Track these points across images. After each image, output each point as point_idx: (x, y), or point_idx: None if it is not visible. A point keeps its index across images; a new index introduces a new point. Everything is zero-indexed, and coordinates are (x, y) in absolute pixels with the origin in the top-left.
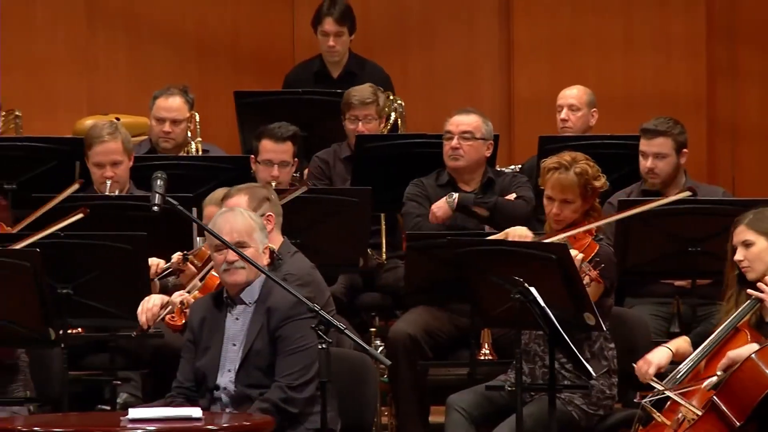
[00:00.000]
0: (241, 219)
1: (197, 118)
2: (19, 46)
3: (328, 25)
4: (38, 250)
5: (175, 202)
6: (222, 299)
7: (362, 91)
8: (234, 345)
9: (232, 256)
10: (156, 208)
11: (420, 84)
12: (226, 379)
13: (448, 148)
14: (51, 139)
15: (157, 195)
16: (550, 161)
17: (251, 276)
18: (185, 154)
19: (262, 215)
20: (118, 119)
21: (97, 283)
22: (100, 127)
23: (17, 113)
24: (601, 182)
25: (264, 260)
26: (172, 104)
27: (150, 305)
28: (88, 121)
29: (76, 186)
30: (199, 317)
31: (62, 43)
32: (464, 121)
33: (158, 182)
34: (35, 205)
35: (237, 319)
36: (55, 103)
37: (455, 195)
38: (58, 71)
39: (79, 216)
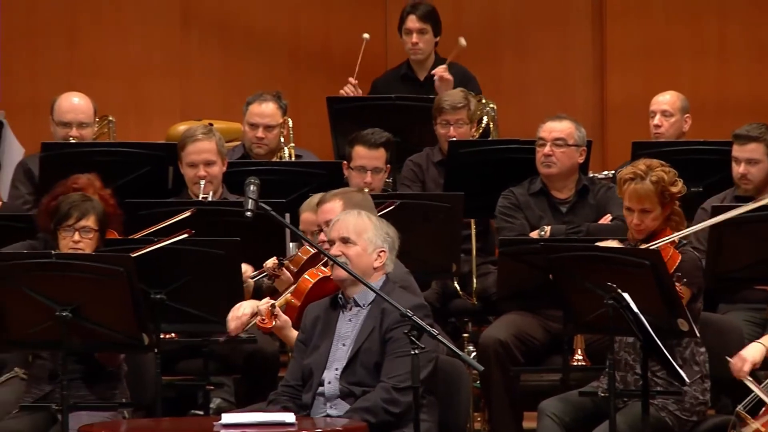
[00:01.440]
0: (354, 217)
1: (290, 123)
2: (115, 53)
3: (411, 22)
4: (131, 255)
5: (268, 208)
6: (338, 301)
7: (454, 95)
8: (343, 345)
9: (334, 251)
10: (249, 213)
11: (512, 89)
12: (331, 375)
13: (541, 155)
14: (144, 145)
15: (250, 200)
16: (625, 172)
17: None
18: (278, 160)
19: None
20: (211, 125)
21: (190, 289)
22: (195, 128)
23: (111, 119)
24: (679, 187)
25: (372, 262)
26: (266, 110)
27: (239, 314)
28: (182, 127)
29: (187, 213)
30: (312, 317)
31: (156, 49)
32: (557, 128)
33: (251, 188)
34: (129, 210)
35: (350, 320)
36: (149, 108)
37: (547, 228)
38: (152, 77)
39: (184, 236)
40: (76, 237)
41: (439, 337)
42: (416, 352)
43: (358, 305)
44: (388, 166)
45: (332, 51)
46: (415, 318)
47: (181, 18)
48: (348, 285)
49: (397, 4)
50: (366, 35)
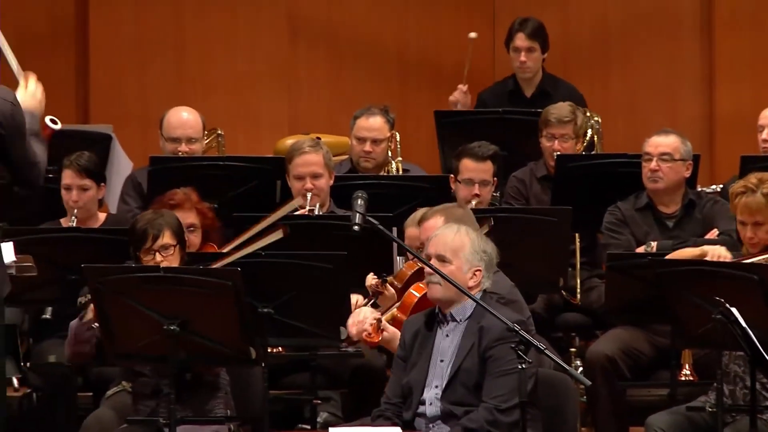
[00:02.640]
0: (451, 234)
1: (398, 137)
2: (222, 66)
3: (520, 40)
4: (239, 269)
5: (375, 222)
6: (434, 316)
7: (561, 109)
8: (442, 361)
9: (429, 270)
10: (357, 227)
11: (620, 102)
12: (431, 394)
13: (647, 170)
14: (253, 159)
15: (357, 215)
16: (736, 186)
17: (449, 293)
18: (386, 174)
19: None
20: (318, 138)
21: (297, 303)
22: (302, 141)
23: (220, 132)
24: None
25: (468, 281)
26: (373, 124)
27: (360, 318)
28: (289, 140)
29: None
30: (411, 333)
31: (264, 62)
32: (663, 143)
33: (359, 202)
34: (236, 224)
35: (447, 335)
36: (257, 122)
37: (653, 244)
38: (260, 91)
39: (279, 235)
40: (158, 258)
41: (547, 351)
42: (523, 366)
43: (455, 320)
44: (495, 179)
45: (440, 65)
46: (522, 332)
47: (289, 31)
48: (444, 303)
49: (505, 16)
50: (473, 34)
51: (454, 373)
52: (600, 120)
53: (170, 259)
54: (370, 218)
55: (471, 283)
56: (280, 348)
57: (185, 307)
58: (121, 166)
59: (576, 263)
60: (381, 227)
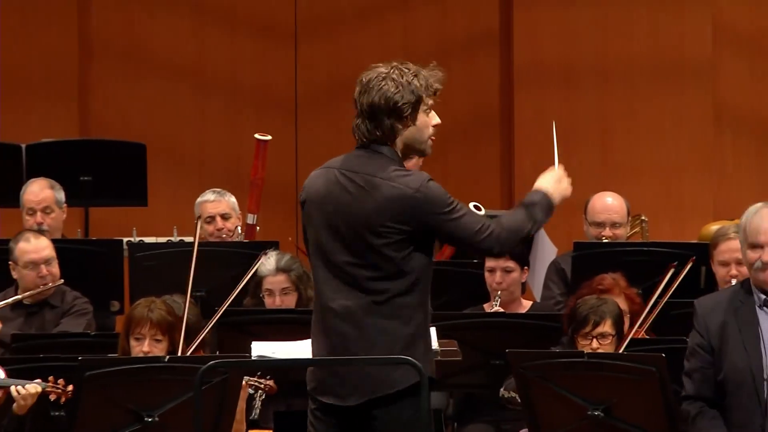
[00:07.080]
0: None
1: None
2: (648, 152)
3: None
4: (663, 355)
5: None
6: (742, 299)
7: None
8: None
9: (767, 256)
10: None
11: None
12: None
13: None
14: (677, 244)
15: None
16: None
17: None
18: None
19: None
20: None
21: None
22: (727, 227)
23: (644, 218)
24: None
25: None
26: None
27: None
28: (714, 226)
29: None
30: (715, 319)
31: (689, 148)
32: None
33: None
34: (660, 312)
35: None
36: (681, 208)
37: None
38: (685, 176)
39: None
40: (594, 344)
41: None
42: None
43: None
44: None
45: None
46: None
47: (714, 117)
48: None
49: None
50: None
51: None
52: None
53: (606, 347)
54: None
55: None
56: None
57: (609, 393)
58: (546, 251)
59: None
60: None
